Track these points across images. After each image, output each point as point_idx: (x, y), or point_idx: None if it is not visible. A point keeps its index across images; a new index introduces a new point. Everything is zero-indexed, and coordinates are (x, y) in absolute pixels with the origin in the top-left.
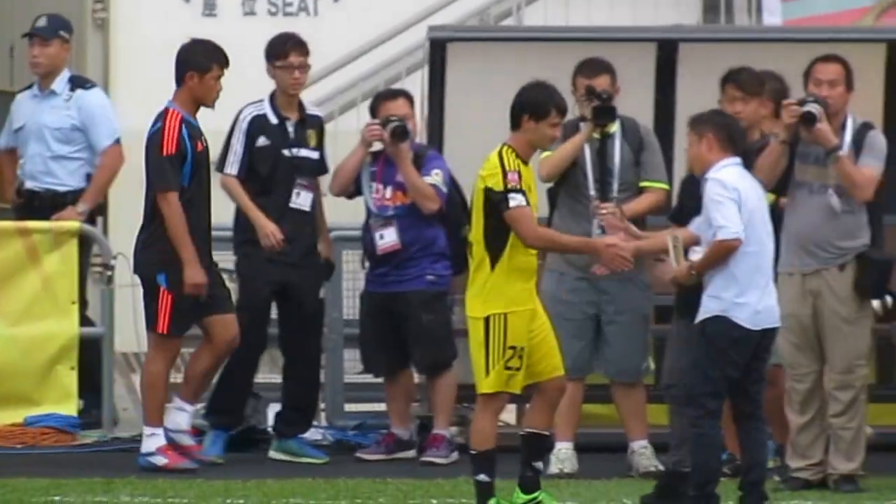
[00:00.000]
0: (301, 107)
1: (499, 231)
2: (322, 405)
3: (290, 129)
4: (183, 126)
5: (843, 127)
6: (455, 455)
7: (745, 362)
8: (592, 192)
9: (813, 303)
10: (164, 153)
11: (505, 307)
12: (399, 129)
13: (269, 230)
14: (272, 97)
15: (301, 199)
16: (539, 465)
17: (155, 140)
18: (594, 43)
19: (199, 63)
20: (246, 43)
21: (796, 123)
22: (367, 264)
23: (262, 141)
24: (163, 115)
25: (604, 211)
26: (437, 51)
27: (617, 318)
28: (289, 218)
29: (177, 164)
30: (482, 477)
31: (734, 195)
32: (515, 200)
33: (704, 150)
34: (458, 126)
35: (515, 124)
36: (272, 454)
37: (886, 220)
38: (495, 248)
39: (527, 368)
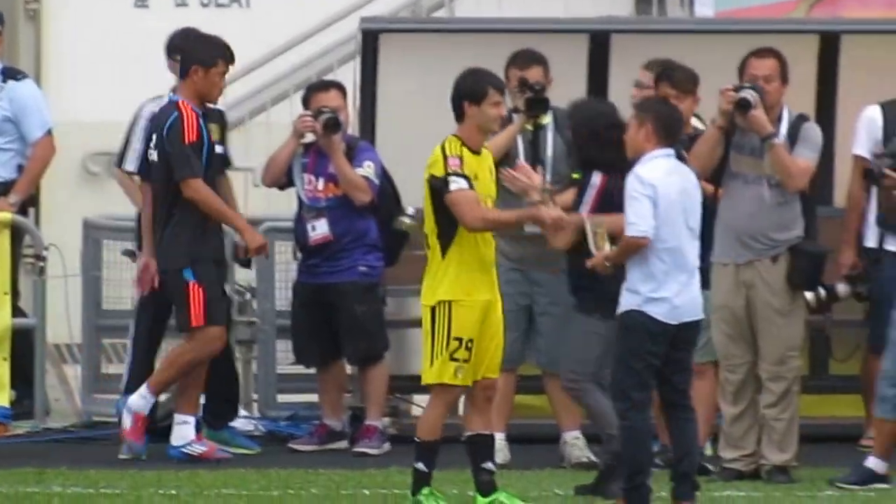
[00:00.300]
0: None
1: (448, 220)
2: (255, 396)
3: None
4: (198, 116)
5: (779, 119)
6: (387, 446)
7: (666, 353)
8: None
9: (746, 294)
10: (186, 141)
11: (451, 296)
12: (331, 121)
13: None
14: (173, 93)
15: None
16: (489, 465)
17: (175, 130)
18: (527, 34)
19: (205, 57)
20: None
21: (732, 110)
22: (299, 255)
23: None
24: (175, 106)
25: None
26: (370, 42)
27: (550, 310)
28: None
29: (198, 151)
30: (421, 466)
31: (649, 192)
32: (456, 184)
33: (641, 138)
34: (390, 118)
35: (459, 115)
36: None
37: (820, 211)
38: (445, 237)
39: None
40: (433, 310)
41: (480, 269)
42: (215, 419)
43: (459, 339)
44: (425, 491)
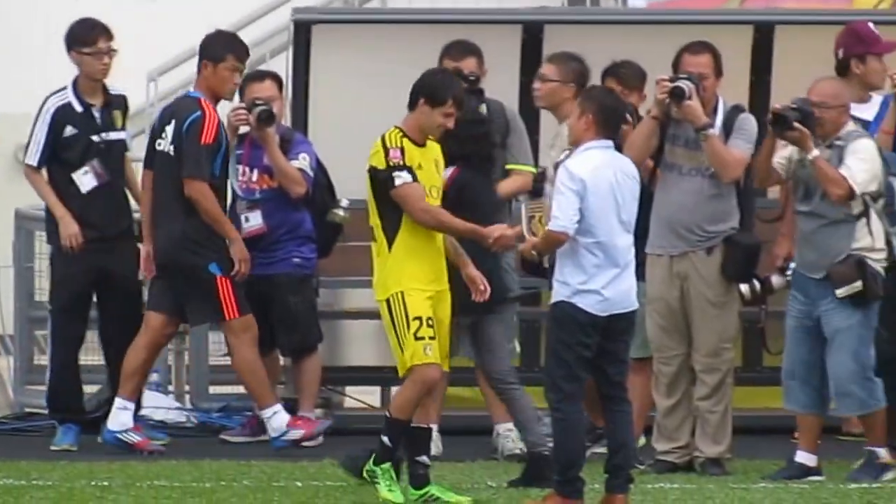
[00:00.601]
0: (105, 90)
1: (391, 211)
2: (187, 387)
3: (97, 114)
4: (219, 119)
5: (715, 111)
6: (320, 437)
7: (598, 343)
8: None
9: (681, 285)
10: (203, 142)
11: (402, 286)
12: (265, 114)
13: (71, 232)
14: (75, 84)
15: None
16: (424, 458)
17: (195, 127)
18: (460, 25)
19: (214, 52)
20: (110, 26)
21: (667, 100)
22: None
23: (69, 131)
24: (198, 104)
25: None
26: (302, 33)
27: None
28: (100, 202)
29: (213, 153)
30: (386, 440)
31: (577, 186)
32: (401, 178)
33: (581, 127)
34: (322, 109)
35: (412, 104)
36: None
37: (758, 203)
38: (390, 229)
39: None
40: (388, 303)
41: (429, 258)
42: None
43: (419, 318)
44: (386, 465)
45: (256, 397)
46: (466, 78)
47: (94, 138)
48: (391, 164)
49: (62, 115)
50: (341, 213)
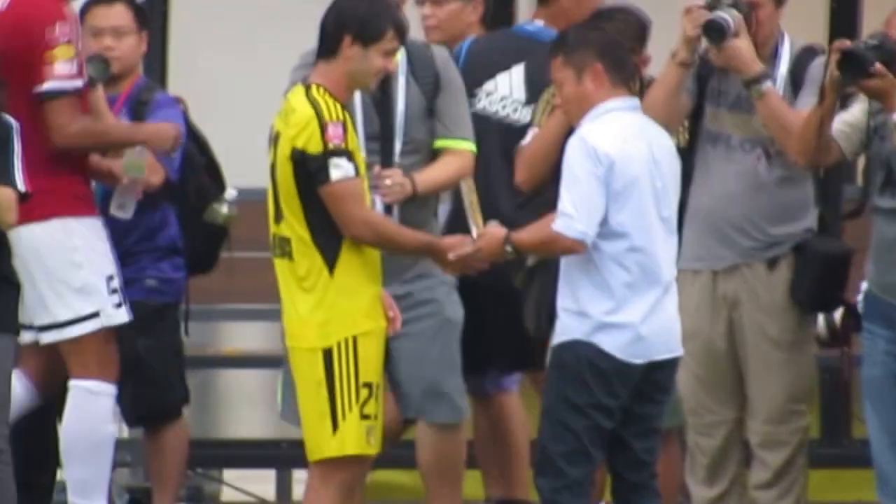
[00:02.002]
0: None
1: (329, 216)
2: None
3: None
4: None
5: (775, 55)
6: None
7: (624, 406)
8: (366, 157)
9: (728, 316)
10: None
11: (354, 327)
12: (99, 69)
13: None
14: None
15: None
16: None
17: None
18: None
19: None
20: None
21: (699, 37)
22: None
23: None
24: None
25: (387, 181)
26: None
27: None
28: None
29: None
30: None
31: (601, 172)
32: (339, 170)
33: (589, 89)
34: (190, 54)
35: (331, 50)
36: None
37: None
38: (329, 243)
39: None
40: (328, 353)
41: (376, 279)
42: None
43: (369, 386)
44: None
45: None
46: None
47: None
48: (330, 147)
49: None
50: (225, 210)
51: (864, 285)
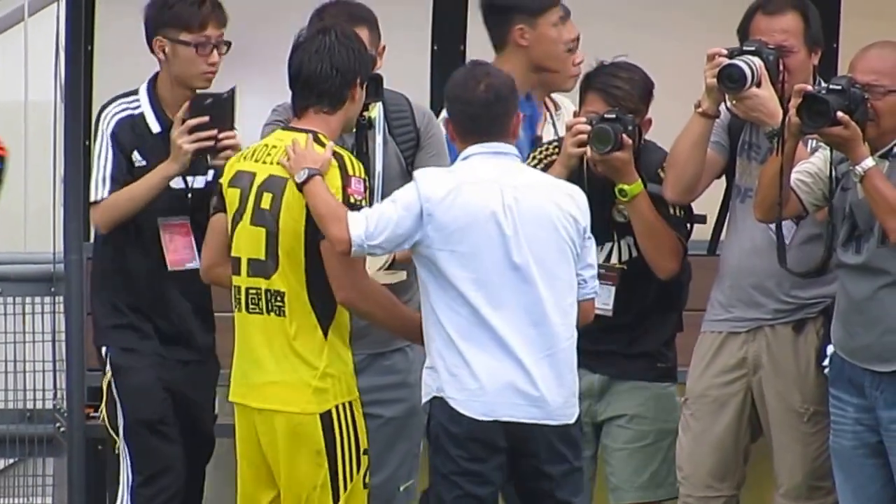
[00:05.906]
0: None
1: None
2: None
3: None
4: None
5: None
6: None
7: (496, 471)
8: None
9: (746, 382)
10: None
11: (350, 391)
12: None
13: None
14: None
15: None
16: None
17: None
18: None
19: None
20: None
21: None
22: None
23: None
24: None
25: None
26: None
27: None
28: None
29: None
30: None
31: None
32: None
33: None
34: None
35: (337, 102)
36: None
37: None
38: (325, 304)
39: None
40: (327, 417)
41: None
42: None
43: (368, 454)
44: None
45: None
46: None
47: None
48: (351, 201)
49: None
50: None
51: (830, 349)
